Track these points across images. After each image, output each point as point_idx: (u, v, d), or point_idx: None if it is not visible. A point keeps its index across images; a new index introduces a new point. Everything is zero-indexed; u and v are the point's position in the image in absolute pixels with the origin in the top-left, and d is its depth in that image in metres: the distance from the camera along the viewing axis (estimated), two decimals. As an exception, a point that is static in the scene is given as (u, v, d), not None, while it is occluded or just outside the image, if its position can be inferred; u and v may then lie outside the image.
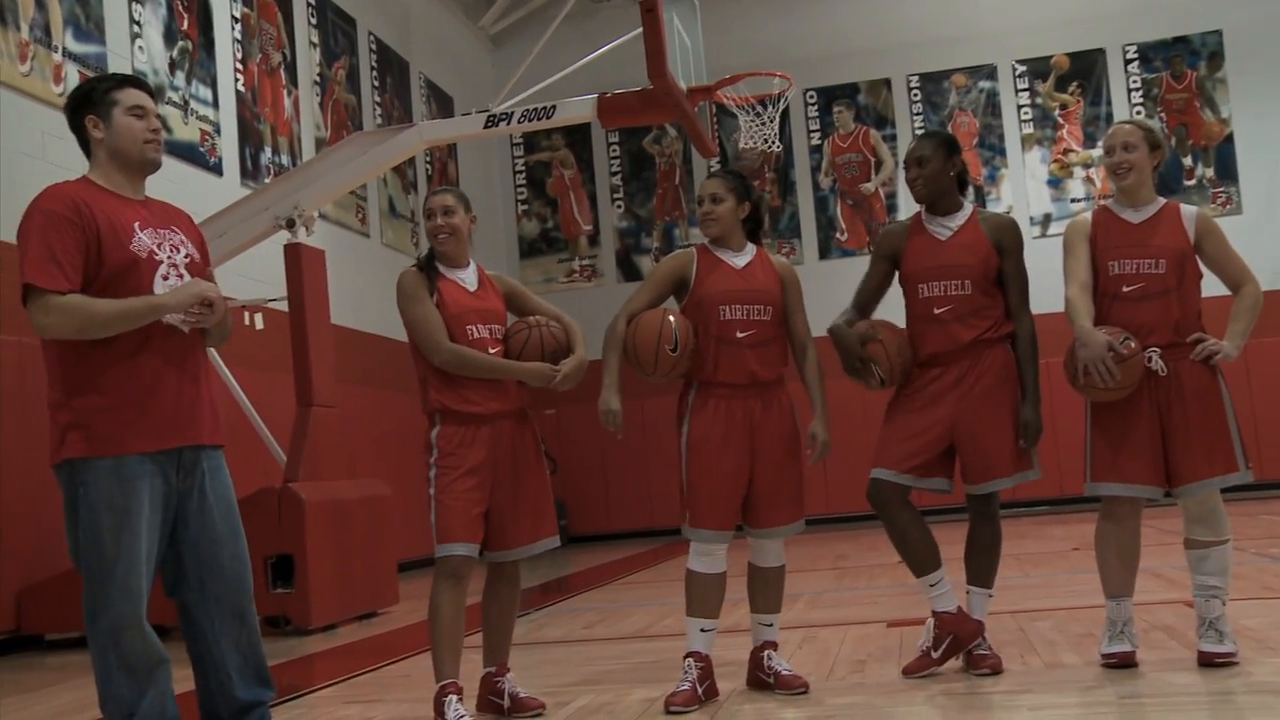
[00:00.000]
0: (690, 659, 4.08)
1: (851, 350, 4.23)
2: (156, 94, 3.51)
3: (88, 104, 3.34)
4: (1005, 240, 4.33)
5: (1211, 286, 4.22)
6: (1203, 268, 4.17)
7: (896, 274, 4.44)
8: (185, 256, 3.36)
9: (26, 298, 3.15)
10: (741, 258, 4.25)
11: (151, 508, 3.21)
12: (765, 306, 4.18)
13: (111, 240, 3.22)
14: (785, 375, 4.25)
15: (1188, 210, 4.19)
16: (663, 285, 4.28)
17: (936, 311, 4.28)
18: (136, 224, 3.29)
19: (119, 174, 3.35)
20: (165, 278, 3.28)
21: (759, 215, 4.33)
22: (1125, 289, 4.09)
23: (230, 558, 3.36)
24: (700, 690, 4.03)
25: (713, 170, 13.32)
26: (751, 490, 4.13)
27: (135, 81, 3.46)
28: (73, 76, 8.32)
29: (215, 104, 10.25)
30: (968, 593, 4.36)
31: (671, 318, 4.11)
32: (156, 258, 3.28)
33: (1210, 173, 15.17)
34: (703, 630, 4.12)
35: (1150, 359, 4.03)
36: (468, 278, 4.17)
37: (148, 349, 3.24)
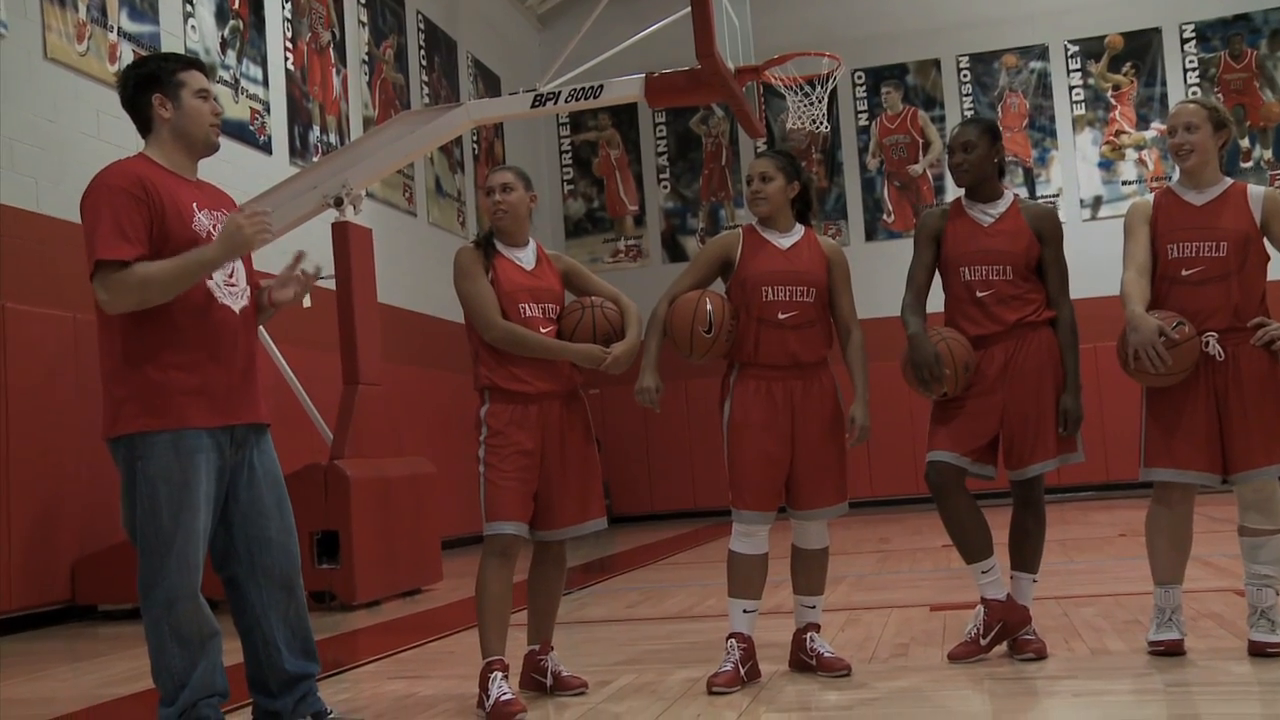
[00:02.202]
0: (733, 640, 4.08)
1: (927, 364, 4.14)
2: (209, 73, 3.55)
3: (155, 83, 3.35)
4: (1046, 229, 4.30)
5: (1277, 269, 4.11)
6: (1271, 250, 4.07)
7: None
8: None
9: (94, 274, 3.17)
10: (788, 239, 4.23)
11: (208, 481, 3.25)
12: (808, 288, 4.15)
13: (175, 219, 3.26)
14: (829, 357, 4.22)
15: (1255, 191, 4.08)
16: (708, 266, 4.27)
17: (980, 295, 4.25)
18: (195, 204, 3.34)
19: (180, 154, 3.38)
20: None
21: (808, 196, 4.30)
22: (1184, 272, 4.03)
23: (278, 531, 3.40)
24: (742, 671, 4.03)
25: (760, 150, 13.29)
26: (793, 472, 4.12)
27: (197, 63, 3.48)
28: (127, 56, 8.42)
29: (265, 83, 10.33)
30: (1012, 578, 4.34)
31: (708, 300, 4.10)
32: (213, 239, 3.32)
33: (1269, 154, 14.88)
34: (745, 611, 4.12)
35: (1207, 343, 3.97)
36: (525, 256, 4.17)
37: (204, 325, 3.28)
